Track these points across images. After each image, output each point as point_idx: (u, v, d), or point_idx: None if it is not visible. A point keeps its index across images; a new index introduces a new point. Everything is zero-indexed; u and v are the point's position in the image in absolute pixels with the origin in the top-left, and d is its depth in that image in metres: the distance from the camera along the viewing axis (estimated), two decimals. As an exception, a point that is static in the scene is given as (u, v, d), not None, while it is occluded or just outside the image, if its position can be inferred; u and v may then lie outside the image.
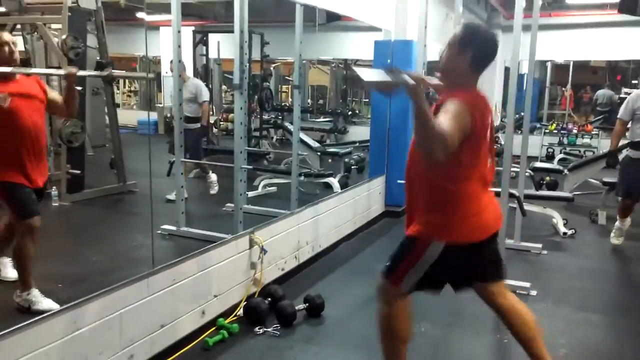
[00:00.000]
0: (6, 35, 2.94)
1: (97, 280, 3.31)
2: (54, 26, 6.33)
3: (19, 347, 2.11)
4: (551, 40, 10.01)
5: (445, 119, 2.02)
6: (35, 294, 3.03)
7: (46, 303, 3.00)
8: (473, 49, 2.21)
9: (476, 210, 2.24)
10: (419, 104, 1.85)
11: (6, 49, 2.88)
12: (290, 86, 13.21)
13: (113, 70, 3.86)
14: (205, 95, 6.05)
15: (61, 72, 3.13)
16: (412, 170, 2.33)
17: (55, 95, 3.24)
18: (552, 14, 10.02)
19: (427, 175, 2.25)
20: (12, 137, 2.91)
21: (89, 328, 2.39)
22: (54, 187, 5.34)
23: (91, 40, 5.82)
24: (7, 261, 3.44)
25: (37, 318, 2.20)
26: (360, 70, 1.90)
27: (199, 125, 6.02)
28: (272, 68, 10.89)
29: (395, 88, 1.88)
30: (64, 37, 5.19)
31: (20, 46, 6.11)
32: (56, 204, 5.29)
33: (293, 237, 4.14)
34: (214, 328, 3.19)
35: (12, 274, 3.35)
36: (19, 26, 6.16)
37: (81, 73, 3.18)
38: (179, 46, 4.10)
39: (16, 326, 2.11)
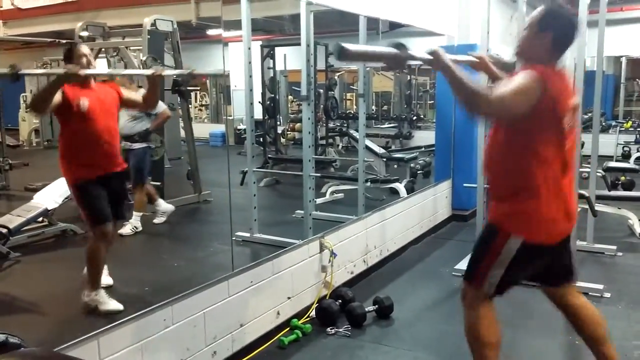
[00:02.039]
0: (84, 48, 3.24)
1: (180, 284, 3.57)
2: (132, 47, 6.81)
3: (117, 342, 2.35)
4: (624, 35, 9.65)
5: (503, 84, 2.05)
6: (102, 295, 3.22)
7: (112, 304, 3.21)
8: (553, 30, 2.17)
9: (554, 206, 2.18)
10: (441, 65, 1.97)
11: (84, 60, 3.15)
12: (354, 94, 13.35)
13: (194, 71, 4.08)
14: (160, 105, 5.19)
15: (149, 71, 3.40)
16: (492, 155, 2.34)
17: (130, 94, 3.54)
18: (623, 8, 9.64)
19: (505, 158, 2.25)
20: (88, 137, 3.17)
21: (177, 326, 2.62)
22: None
23: (168, 60, 6.19)
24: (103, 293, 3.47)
25: (130, 317, 2.44)
26: (348, 44, 1.90)
27: (144, 145, 5.24)
28: (336, 77, 11.07)
29: (400, 60, 1.97)
30: (144, 58, 5.57)
31: (104, 68, 6.64)
32: (139, 214, 5.67)
33: (361, 242, 4.27)
34: (288, 328, 3.36)
35: (105, 280, 3.50)
36: (103, 49, 6.64)
37: (166, 72, 3.44)
38: (250, 62, 4.33)
39: (114, 323, 2.36)
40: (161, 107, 5.24)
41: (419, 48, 2.12)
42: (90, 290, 3.22)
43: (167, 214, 5.47)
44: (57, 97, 3.02)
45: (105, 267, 3.51)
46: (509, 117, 2.11)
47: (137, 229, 5.04)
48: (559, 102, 2.11)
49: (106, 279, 3.54)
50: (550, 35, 2.17)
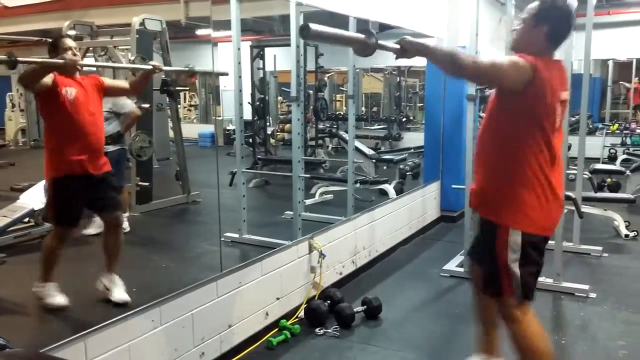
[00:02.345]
0: (69, 41, 3.24)
1: (169, 285, 3.55)
2: (121, 47, 6.76)
3: (103, 343, 2.33)
4: (611, 38, 9.76)
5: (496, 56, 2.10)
6: (50, 287, 3.21)
7: (58, 298, 3.18)
8: (549, 23, 2.18)
9: (544, 193, 2.19)
10: (415, 47, 2.02)
11: (70, 53, 3.13)
12: (344, 95, 13.38)
13: (193, 68, 4.04)
14: (128, 104, 5.02)
15: (148, 66, 3.41)
16: (482, 144, 2.36)
17: (113, 81, 3.59)
18: (610, 12, 9.75)
19: (495, 143, 2.27)
20: (73, 128, 3.15)
21: (165, 327, 2.61)
22: (125, 199, 5.69)
23: (156, 60, 6.16)
24: (118, 281, 3.38)
25: (118, 317, 2.42)
26: (314, 24, 1.89)
27: (118, 147, 4.95)
28: (326, 78, 11.09)
29: (367, 47, 2.00)
30: (132, 57, 5.53)
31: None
32: (127, 215, 5.64)
33: (350, 242, 4.28)
34: (276, 329, 3.36)
35: (120, 296, 3.30)
36: (91, 48, 6.59)
37: (166, 68, 3.45)
38: (239, 63, 4.32)
39: (102, 324, 2.34)
40: (129, 106, 5.04)
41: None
42: (39, 282, 3.22)
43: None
44: (48, 80, 3.02)
45: (121, 282, 3.38)
46: (497, 84, 2.12)
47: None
48: (548, 91, 2.12)
49: (121, 295, 3.32)
50: (545, 28, 2.18)
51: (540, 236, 2.27)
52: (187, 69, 3.72)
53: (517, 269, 2.22)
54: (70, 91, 3.13)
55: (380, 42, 2.04)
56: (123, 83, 3.54)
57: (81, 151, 3.19)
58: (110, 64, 3.30)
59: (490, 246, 2.28)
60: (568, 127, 4.03)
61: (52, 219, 3.27)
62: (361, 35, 2.02)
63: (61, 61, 2.91)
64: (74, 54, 3.16)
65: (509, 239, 2.20)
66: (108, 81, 3.48)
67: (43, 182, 4.67)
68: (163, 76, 6.23)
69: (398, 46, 2.07)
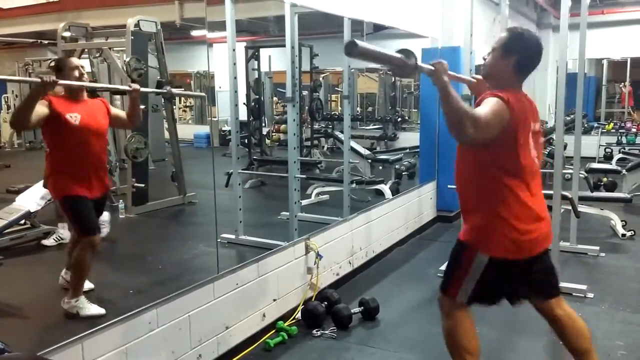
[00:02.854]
0: (76, 60, 3.21)
1: (165, 286, 3.55)
2: (116, 48, 6.75)
3: (101, 345, 2.33)
4: (605, 38, 9.80)
5: (479, 108, 2.11)
6: (83, 301, 3.18)
7: (94, 309, 3.16)
8: (517, 54, 2.23)
9: (519, 223, 2.20)
10: (440, 83, 2.00)
11: (76, 72, 3.11)
12: (339, 95, 13.38)
13: (172, 89, 4.07)
14: None
15: (126, 87, 3.37)
16: (459, 171, 2.38)
17: (118, 111, 3.51)
18: (604, 12, 9.79)
19: (470, 174, 2.30)
20: (79, 153, 3.14)
21: (161, 329, 2.60)
22: (121, 200, 5.67)
23: (151, 61, 6.15)
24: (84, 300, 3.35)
25: (114, 320, 2.41)
26: (360, 41, 1.91)
27: None
28: (321, 78, 11.08)
29: (406, 67, 1.99)
30: (127, 59, 5.52)
31: (87, 68, 6.56)
32: (123, 216, 5.62)
33: (347, 243, 4.28)
34: (273, 330, 3.36)
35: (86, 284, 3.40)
36: (86, 50, 6.58)
37: (143, 90, 3.42)
38: (234, 64, 4.31)
39: (98, 327, 2.33)
40: None
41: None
42: (71, 297, 3.18)
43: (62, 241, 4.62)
44: (44, 111, 2.96)
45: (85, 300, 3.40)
46: (486, 139, 2.12)
47: (62, 239, 4.58)
48: (522, 126, 2.17)
49: (86, 283, 3.44)
50: (514, 58, 2.23)
51: (509, 260, 2.25)
52: (165, 90, 3.69)
53: (472, 285, 2.28)
54: (74, 116, 3.08)
55: (417, 62, 2.04)
56: (123, 114, 3.47)
57: (87, 175, 3.19)
58: (89, 84, 3.25)
59: (455, 258, 2.35)
60: (563, 127, 4.04)
61: (79, 232, 3.22)
62: (400, 56, 2.01)
63: (38, 80, 2.73)
64: (81, 74, 3.13)
65: (474, 260, 2.25)
66: (113, 110, 3.44)
67: (39, 185, 4.67)
68: (158, 77, 6.22)
69: (433, 68, 2.07)
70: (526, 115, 2.21)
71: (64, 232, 4.56)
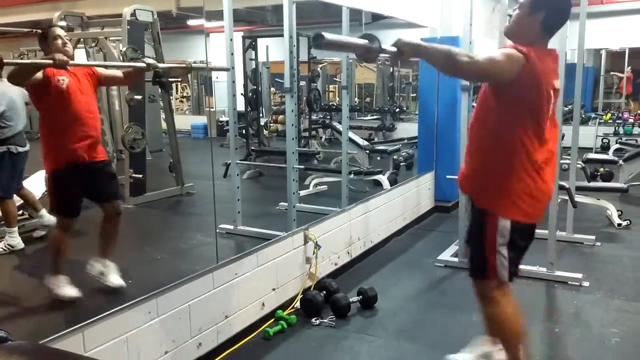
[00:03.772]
0: (59, 30, 3.21)
1: (165, 276, 3.55)
2: (112, 38, 6.71)
3: (101, 335, 2.34)
4: (604, 28, 9.78)
5: (490, 51, 2.11)
6: (60, 280, 3.21)
7: (68, 290, 3.20)
8: (545, 11, 2.16)
9: (535, 188, 2.21)
10: (410, 50, 1.99)
11: (59, 41, 3.12)
12: (337, 85, 13.35)
13: (190, 63, 3.95)
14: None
15: (142, 64, 3.33)
16: (475, 132, 2.36)
17: (109, 71, 3.51)
18: (603, 1, 9.77)
19: (487, 136, 2.27)
20: (68, 115, 3.15)
21: (161, 318, 2.61)
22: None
23: (148, 51, 6.12)
24: (113, 266, 3.43)
25: (115, 309, 2.42)
26: (326, 33, 1.92)
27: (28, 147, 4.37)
28: (319, 69, 11.06)
29: (371, 52, 1.98)
30: (124, 49, 5.49)
31: (83, 59, 6.53)
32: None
33: (345, 233, 4.29)
34: (273, 319, 3.37)
35: (116, 280, 3.37)
36: (82, 39, 6.54)
37: (162, 65, 3.41)
38: (232, 53, 4.30)
39: (98, 316, 2.34)
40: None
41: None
42: (50, 274, 3.23)
43: (50, 227, 4.27)
44: (39, 75, 3.01)
45: (115, 266, 3.43)
46: (494, 78, 2.10)
47: (11, 247, 4.22)
48: (542, 79, 2.12)
49: (116, 279, 3.39)
50: (541, 16, 2.17)
51: (528, 223, 2.29)
52: (183, 65, 3.64)
53: (506, 253, 2.26)
54: (62, 80, 3.11)
55: (382, 46, 2.02)
56: (117, 72, 3.50)
57: (78, 139, 3.19)
58: (103, 62, 3.25)
59: (479, 231, 2.32)
60: (562, 117, 4.04)
61: (54, 210, 3.28)
62: (364, 41, 2.01)
63: (50, 61, 2.81)
64: (64, 43, 3.14)
65: (498, 225, 2.24)
66: (103, 71, 3.45)
67: (37, 174, 4.66)
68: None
69: (395, 49, 2.03)
70: (548, 73, 2.16)
71: (14, 240, 4.26)
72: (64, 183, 3.20)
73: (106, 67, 3.97)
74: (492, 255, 2.27)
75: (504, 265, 2.27)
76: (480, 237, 2.32)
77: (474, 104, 2.42)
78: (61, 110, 3.14)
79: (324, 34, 1.89)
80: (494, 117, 2.24)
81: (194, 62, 12.83)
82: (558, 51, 2.36)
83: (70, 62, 2.91)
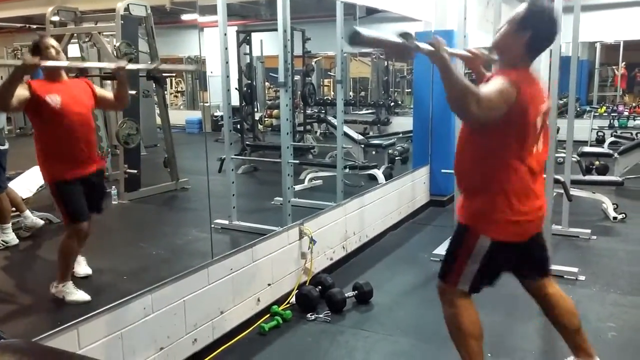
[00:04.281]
0: (51, 40, 3.16)
1: (159, 272, 3.55)
2: (105, 33, 6.67)
3: (96, 331, 2.33)
4: (598, 21, 9.77)
5: (485, 86, 2.07)
6: (69, 286, 3.20)
7: (79, 295, 3.19)
8: (532, 30, 2.14)
9: (522, 206, 2.19)
10: (440, 61, 1.95)
11: (52, 51, 3.07)
12: (332, 80, 13.32)
13: (161, 63, 3.93)
14: None
15: (112, 65, 3.30)
16: (461, 152, 2.35)
17: (104, 92, 3.46)
18: (598, -6, 9.76)
19: (474, 155, 2.26)
20: (64, 134, 3.10)
21: (156, 314, 2.60)
22: (114, 187, 5.65)
23: (142, 45, 6.09)
24: (82, 259, 3.57)
25: (109, 306, 2.41)
26: (362, 29, 1.89)
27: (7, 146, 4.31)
28: (313, 63, 11.02)
29: (407, 50, 1.94)
30: (117, 44, 5.46)
31: (76, 53, 6.49)
32: (115, 202, 5.60)
33: (340, 228, 4.28)
34: (268, 315, 3.37)
35: (83, 270, 3.52)
36: (75, 35, 6.49)
37: (130, 66, 3.35)
38: (226, 48, 4.28)
39: (93, 312, 2.33)
40: None
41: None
42: (58, 282, 3.20)
43: (33, 229, 4.47)
44: (24, 94, 2.92)
45: (83, 257, 3.47)
46: (490, 118, 2.09)
47: (5, 243, 4.23)
48: (529, 107, 2.12)
49: (85, 269, 3.51)
50: (527, 36, 2.15)
51: (512, 242, 2.27)
52: (152, 66, 3.58)
53: (475, 268, 2.26)
54: (54, 98, 3.03)
55: (417, 43, 1.98)
56: (110, 95, 3.39)
57: (74, 155, 3.16)
58: (73, 63, 3.18)
59: (457, 242, 2.33)
60: (556, 110, 4.04)
61: (66, 219, 3.22)
62: (400, 39, 1.96)
63: (19, 62, 2.75)
64: (57, 52, 3.10)
65: (477, 242, 2.24)
66: (99, 90, 3.40)
67: (30, 171, 4.64)
68: (149, 62, 6.15)
69: (432, 48, 1.99)
70: (535, 98, 2.16)
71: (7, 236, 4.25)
72: (68, 191, 3.16)
73: (79, 68, 3.83)
74: (461, 264, 2.29)
75: (467, 279, 2.28)
76: (456, 247, 2.34)
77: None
78: (56, 128, 3.08)
79: (359, 30, 1.86)
80: (478, 138, 2.23)
81: (188, 57, 12.78)
82: (552, 46, 2.33)
83: (42, 63, 2.84)
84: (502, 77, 2.10)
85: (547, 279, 2.45)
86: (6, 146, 4.28)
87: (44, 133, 3.13)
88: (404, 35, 1.97)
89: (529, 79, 2.17)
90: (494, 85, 2.07)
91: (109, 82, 6.39)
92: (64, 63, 3.10)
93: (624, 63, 12.62)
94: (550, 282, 2.46)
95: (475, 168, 2.27)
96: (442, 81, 1.99)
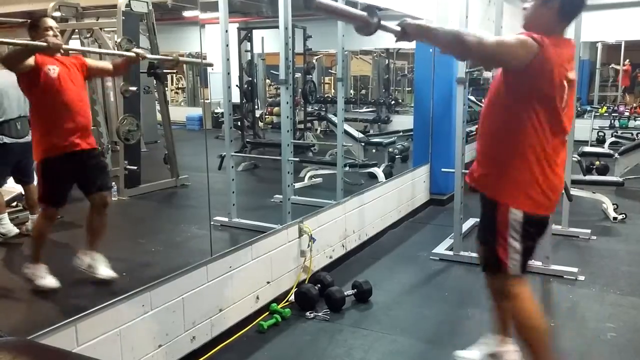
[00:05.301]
0: (50, 21, 3.19)
1: (158, 269, 3.54)
2: (107, 29, 6.65)
3: (94, 328, 2.32)
4: (600, 21, 9.74)
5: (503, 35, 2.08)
6: (40, 269, 3.20)
7: (48, 280, 3.17)
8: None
9: (547, 180, 2.18)
10: (415, 32, 1.97)
11: (50, 32, 3.09)
12: (333, 78, 13.30)
13: (179, 57, 3.94)
14: None
15: (131, 53, 3.38)
16: (486, 121, 2.32)
17: (98, 62, 3.54)
18: (600, -6, 9.72)
19: (499, 125, 2.24)
20: (58, 104, 3.14)
21: (155, 311, 2.60)
22: (113, 183, 5.62)
23: (143, 42, 6.07)
24: (101, 258, 3.37)
25: (108, 302, 2.40)
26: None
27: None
28: (314, 61, 11.01)
29: (368, 26, 1.94)
30: (118, 40, 5.45)
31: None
32: (115, 199, 5.58)
33: (340, 226, 4.28)
34: (267, 313, 3.37)
35: (105, 272, 3.32)
36: (76, 31, 6.47)
37: (150, 56, 3.40)
38: (227, 45, 4.27)
39: (92, 309, 2.32)
40: None
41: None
42: (30, 263, 3.23)
43: (7, 237, 4.14)
44: (31, 61, 3.01)
45: (104, 258, 3.38)
46: (504, 64, 2.07)
47: (2, 235, 4.15)
48: (555, 69, 2.08)
49: (105, 271, 3.34)
50: (556, 5, 2.12)
51: (540, 214, 2.26)
52: (171, 57, 3.64)
53: (518, 245, 2.23)
54: (52, 69, 3.11)
55: (382, 22, 1.98)
56: (106, 64, 3.51)
57: (69, 128, 3.17)
58: (93, 48, 3.25)
59: (491, 223, 2.29)
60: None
61: (40, 199, 3.25)
62: (363, 13, 1.95)
63: (44, 44, 2.89)
64: (55, 35, 3.12)
65: (509, 217, 2.21)
66: (91, 62, 3.45)
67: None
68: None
69: (399, 28, 2.01)
70: (562, 63, 2.12)
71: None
72: (54, 172, 3.19)
73: (99, 54, 3.94)
74: (504, 247, 2.24)
75: (516, 258, 2.24)
76: (491, 230, 2.29)
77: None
78: (52, 99, 3.13)
79: None
80: (505, 106, 2.21)
81: (189, 54, 12.74)
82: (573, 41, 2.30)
83: (64, 46, 2.92)
84: (525, 34, 2.08)
85: None
86: (26, 139, 4.03)
87: (40, 105, 3.17)
88: (368, 9, 1.95)
89: (558, 43, 2.12)
90: (512, 35, 2.07)
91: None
92: (84, 48, 3.14)
93: (627, 60, 12.58)
94: None
95: (503, 136, 2.23)
96: (431, 44, 2.02)
